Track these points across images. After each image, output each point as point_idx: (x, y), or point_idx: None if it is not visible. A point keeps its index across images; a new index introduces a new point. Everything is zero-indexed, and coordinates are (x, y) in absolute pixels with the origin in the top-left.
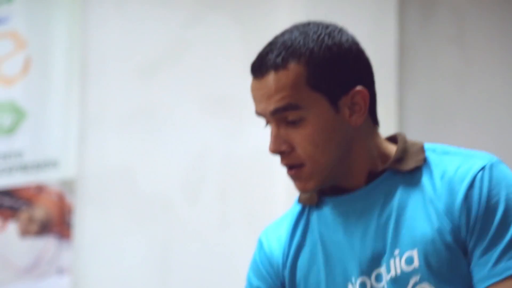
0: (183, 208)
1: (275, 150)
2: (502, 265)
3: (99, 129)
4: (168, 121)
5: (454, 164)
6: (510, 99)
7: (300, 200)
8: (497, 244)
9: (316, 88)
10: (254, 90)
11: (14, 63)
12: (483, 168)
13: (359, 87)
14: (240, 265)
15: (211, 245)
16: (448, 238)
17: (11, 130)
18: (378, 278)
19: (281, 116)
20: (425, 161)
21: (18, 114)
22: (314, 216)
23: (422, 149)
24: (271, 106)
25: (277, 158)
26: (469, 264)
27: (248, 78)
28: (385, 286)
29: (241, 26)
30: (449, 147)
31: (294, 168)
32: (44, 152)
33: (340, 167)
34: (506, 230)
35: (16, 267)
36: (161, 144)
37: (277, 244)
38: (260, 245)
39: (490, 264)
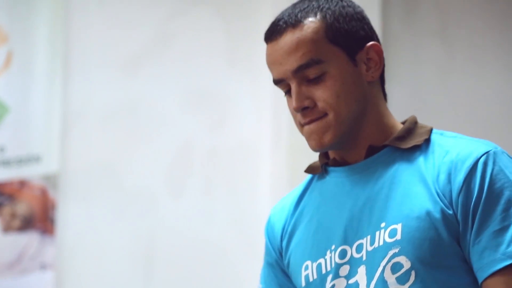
0: (167, 203)
1: (299, 106)
2: None
3: (82, 124)
4: (151, 116)
5: (457, 146)
6: (493, 92)
7: (306, 170)
8: (508, 227)
9: (334, 42)
10: (272, 53)
11: None
12: (487, 153)
13: (373, 42)
14: (225, 259)
15: (195, 240)
16: (437, 217)
17: None
18: (359, 248)
19: (303, 75)
20: (428, 141)
21: (0, 109)
22: (317, 186)
23: (428, 132)
24: (294, 64)
25: (262, 151)
26: (452, 245)
27: (230, 72)
28: (364, 256)
29: (224, 21)
30: (458, 134)
31: (316, 120)
32: (27, 147)
33: (355, 126)
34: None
35: None
36: (145, 139)
37: (280, 216)
38: (269, 217)
39: (504, 246)
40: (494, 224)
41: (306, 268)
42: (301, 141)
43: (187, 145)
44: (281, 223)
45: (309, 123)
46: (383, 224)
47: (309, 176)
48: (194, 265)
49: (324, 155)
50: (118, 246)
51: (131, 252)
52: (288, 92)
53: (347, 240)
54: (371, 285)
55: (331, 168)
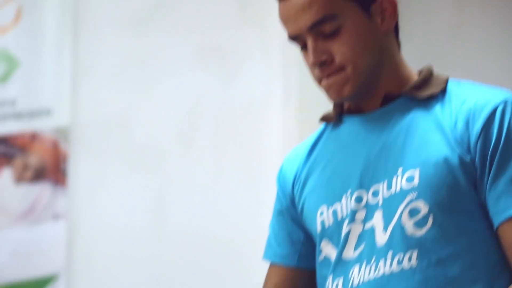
0: (177, 157)
1: (316, 61)
2: None
3: (92, 77)
4: (161, 71)
5: (475, 95)
6: (505, 51)
7: (321, 118)
8: None
9: None
10: (285, 11)
11: (6, 12)
12: (505, 101)
13: None
14: (233, 212)
15: (204, 193)
16: (455, 164)
17: (4, 78)
18: (375, 193)
19: (318, 30)
20: (445, 90)
21: (11, 62)
22: (332, 135)
23: (445, 81)
24: (308, 21)
25: (272, 107)
26: (469, 191)
27: (241, 28)
28: (380, 201)
29: None
30: (475, 82)
31: (334, 74)
32: (38, 100)
33: (373, 77)
34: None
35: (12, 212)
36: (155, 94)
37: (292, 163)
38: (281, 166)
39: None
40: (511, 171)
41: (322, 213)
42: (311, 97)
43: (197, 101)
44: (293, 170)
45: (327, 77)
46: (400, 170)
47: (322, 125)
48: (203, 217)
49: (338, 105)
50: (129, 197)
51: (141, 203)
52: (304, 48)
53: (363, 185)
54: (388, 230)
55: (346, 117)
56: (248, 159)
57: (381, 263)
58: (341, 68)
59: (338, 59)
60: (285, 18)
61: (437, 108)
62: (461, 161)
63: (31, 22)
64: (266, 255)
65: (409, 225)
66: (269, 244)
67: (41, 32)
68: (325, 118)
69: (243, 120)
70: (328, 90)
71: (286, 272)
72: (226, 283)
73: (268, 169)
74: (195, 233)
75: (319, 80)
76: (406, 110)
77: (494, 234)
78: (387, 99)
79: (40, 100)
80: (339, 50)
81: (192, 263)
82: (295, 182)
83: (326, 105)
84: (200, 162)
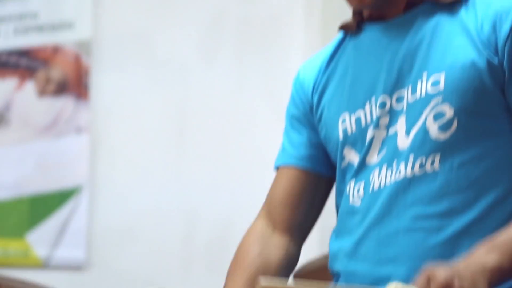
0: (198, 71)
1: None
2: None
3: None
4: None
5: None
6: None
7: (340, 27)
8: None
9: None
10: None
11: None
12: None
13: None
14: (254, 125)
15: (226, 107)
16: (482, 67)
17: None
18: (399, 99)
19: None
20: None
21: None
22: (351, 44)
23: None
24: None
25: (295, 21)
26: (496, 94)
27: None
28: (404, 107)
29: None
30: None
31: None
32: (60, 13)
33: None
34: None
35: (35, 125)
36: (177, 7)
37: (311, 71)
38: (297, 73)
39: None
40: None
41: (344, 121)
42: (335, 9)
43: (219, 14)
44: (312, 78)
45: None
46: (425, 74)
47: (339, 35)
48: (224, 130)
49: (357, 13)
50: (151, 111)
51: (163, 117)
52: None
53: (386, 91)
54: (410, 134)
55: (367, 25)
56: (270, 72)
57: (402, 166)
58: None
59: None
60: None
61: (462, 12)
62: (489, 64)
63: None
64: (278, 160)
65: (433, 128)
66: (282, 150)
67: None
68: (344, 27)
69: (266, 33)
70: None
71: (297, 174)
72: (244, 192)
73: (290, 83)
74: (216, 145)
75: None
76: (429, 15)
77: None
78: (410, 5)
79: (62, 13)
80: None
81: (213, 176)
82: (314, 90)
83: (350, 17)
84: (222, 76)
